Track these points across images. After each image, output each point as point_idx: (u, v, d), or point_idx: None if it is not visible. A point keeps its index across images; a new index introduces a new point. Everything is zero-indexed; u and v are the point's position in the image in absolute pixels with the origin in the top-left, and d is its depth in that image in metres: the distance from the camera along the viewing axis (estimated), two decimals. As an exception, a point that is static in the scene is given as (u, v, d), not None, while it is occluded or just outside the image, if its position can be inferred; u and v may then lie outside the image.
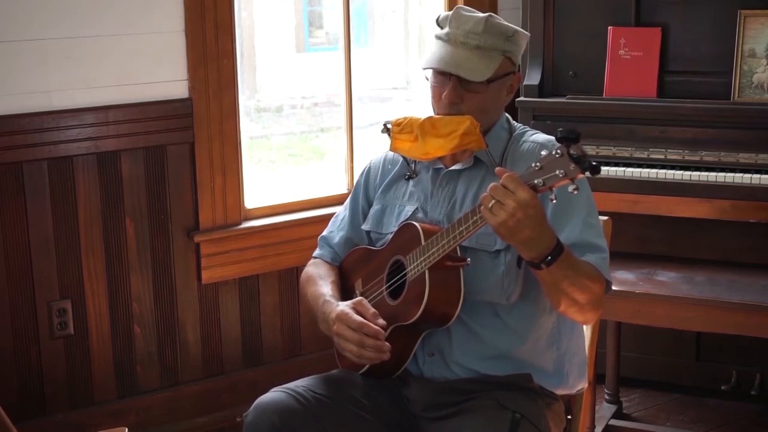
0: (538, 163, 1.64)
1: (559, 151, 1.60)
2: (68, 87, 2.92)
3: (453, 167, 2.02)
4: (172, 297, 3.19)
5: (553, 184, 1.63)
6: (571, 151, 1.58)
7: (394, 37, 4.82)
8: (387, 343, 1.87)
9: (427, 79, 2.04)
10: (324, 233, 2.26)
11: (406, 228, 1.99)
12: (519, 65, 2.04)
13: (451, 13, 2.00)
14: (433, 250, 1.86)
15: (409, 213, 2.05)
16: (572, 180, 1.60)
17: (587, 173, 1.58)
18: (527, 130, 2.06)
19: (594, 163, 1.58)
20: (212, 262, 3.22)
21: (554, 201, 1.70)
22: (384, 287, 2.00)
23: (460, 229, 1.80)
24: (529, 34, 2.04)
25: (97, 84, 2.97)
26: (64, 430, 3.04)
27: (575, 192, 1.62)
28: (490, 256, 1.92)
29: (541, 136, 2.02)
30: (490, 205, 1.67)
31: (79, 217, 2.98)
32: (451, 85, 1.95)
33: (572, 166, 1.58)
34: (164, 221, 3.14)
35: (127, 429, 2.24)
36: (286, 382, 3.52)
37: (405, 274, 1.94)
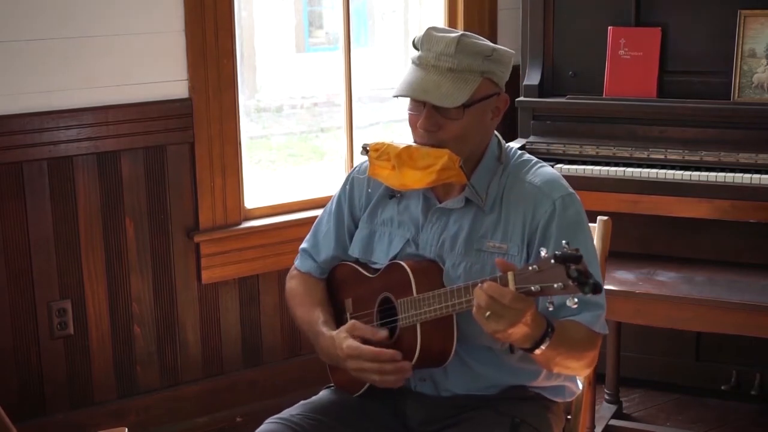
0: (536, 266, 1.54)
1: (559, 261, 1.50)
2: (68, 87, 2.92)
3: (444, 204, 1.93)
4: (172, 297, 3.19)
5: (550, 293, 1.53)
6: (571, 270, 1.48)
7: (394, 37, 4.82)
8: (406, 362, 1.82)
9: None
10: (305, 245, 2.17)
11: (396, 269, 1.90)
12: (503, 87, 1.90)
13: (423, 33, 1.87)
14: (425, 309, 1.79)
15: (400, 245, 1.97)
16: (571, 294, 1.51)
17: (586, 292, 1.48)
18: (523, 162, 1.94)
19: (595, 283, 1.47)
20: (212, 262, 3.22)
21: (551, 309, 1.61)
22: (376, 323, 1.95)
23: (454, 302, 1.74)
24: (513, 52, 1.89)
25: (97, 84, 2.97)
26: (64, 430, 3.04)
27: (575, 306, 1.54)
28: None
29: (539, 175, 1.90)
30: (486, 314, 1.59)
31: (79, 217, 2.98)
32: (426, 113, 1.83)
33: (571, 284, 1.48)
34: (164, 221, 3.14)
35: (127, 429, 2.24)
36: (286, 382, 3.52)
37: (396, 321, 1.89)
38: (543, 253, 1.54)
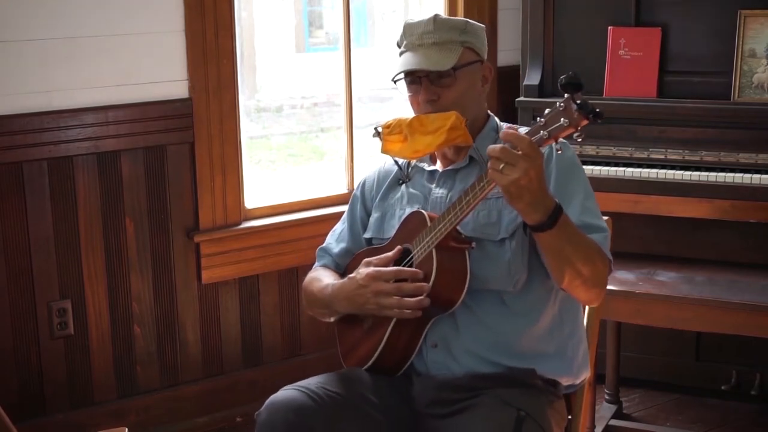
0: (542, 119, 1.68)
1: (562, 104, 1.64)
2: (68, 87, 2.92)
3: (449, 167, 2.07)
4: (172, 297, 3.19)
5: (557, 134, 1.67)
6: (575, 99, 1.63)
7: (394, 37, 4.82)
8: (425, 284, 1.89)
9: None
10: (323, 245, 2.28)
11: (412, 216, 2.02)
12: (484, 57, 2.08)
13: (402, 27, 2.08)
14: (440, 226, 1.89)
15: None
16: (577, 128, 1.64)
17: (591, 117, 1.61)
18: (518, 128, 2.08)
19: (598, 110, 1.61)
20: (212, 262, 3.22)
21: (560, 152, 1.75)
22: None
23: (467, 198, 1.83)
24: (483, 26, 2.08)
25: (97, 84, 2.97)
26: (64, 430, 3.04)
27: (580, 139, 1.66)
28: (495, 245, 1.95)
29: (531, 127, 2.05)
30: (500, 167, 1.70)
31: (79, 217, 2.98)
32: (423, 87, 2.01)
33: (576, 113, 1.62)
34: (164, 221, 3.14)
35: (127, 429, 2.24)
36: (286, 382, 3.52)
37: (412, 257, 1.97)
38: (547, 110, 1.68)
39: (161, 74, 3.07)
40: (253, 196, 3.41)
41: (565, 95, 1.65)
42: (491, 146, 1.74)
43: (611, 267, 1.94)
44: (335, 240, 2.26)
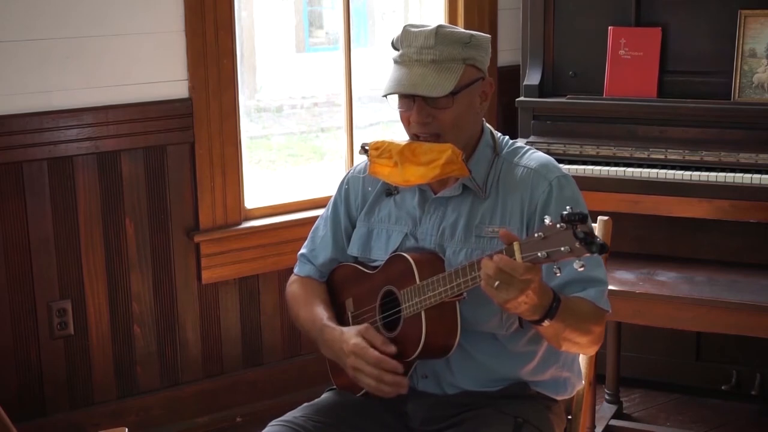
0: (541, 233, 1.56)
1: (564, 225, 1.52)
2: (68, 87, 2.92)
3: (441, 194, 1.95)
4: (172, 297, 3.19)
5: (557, 258, 1.56)
6: (578, 231, 1.50)
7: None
8: (405, 378, 1.84)
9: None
10: (304, 251, 2.18)
11: (398, 260, 1.91)
12: (485, 71, 1.93)
13: (400, 32, 1.91)
14: (430, 294, 1.81)
15: (399, 240, 1.98)
16: (578, 257, 1.52)
17: (594, 252, 1.50)
18: (516, 148, 1.98)
19: (602, 243, 1.50)
20: (212, 262, 3.22)
21: (558, 274, 1.62)
22: (378, 317, 1.96)
23: (458, 281, 1.75)
24: (489, 36, 1.93)
25: (97, 84, 2.97)
26: (64, 430, 3.04)
27: (582, 269, 1.54)
28: None
29: (533, 159, 1.93)
30: (495, 284, 1.61)
31: (79, 217, 2.98)
32: (416, 107, 1.87)
33: (578, 244, 1.51)
34: (164, 221, 3.14)
35: (127, 429, 2.24)
36: (287, 382, 3.52)
37: (400, 311, 1.89)
38: (547, 220, 1.56)
39: (161, 74, 3.07)
40: (253, 196, 3.41)
41: (566, 225, 1.52)
42: (485, 262, 1.63)
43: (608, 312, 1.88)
44: (318, 246, 2.14)
